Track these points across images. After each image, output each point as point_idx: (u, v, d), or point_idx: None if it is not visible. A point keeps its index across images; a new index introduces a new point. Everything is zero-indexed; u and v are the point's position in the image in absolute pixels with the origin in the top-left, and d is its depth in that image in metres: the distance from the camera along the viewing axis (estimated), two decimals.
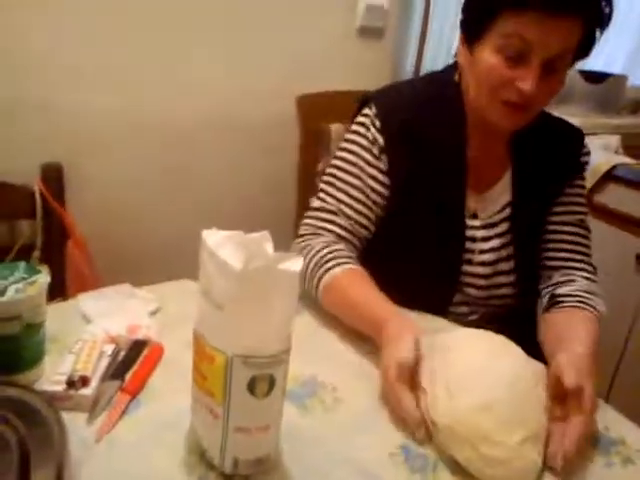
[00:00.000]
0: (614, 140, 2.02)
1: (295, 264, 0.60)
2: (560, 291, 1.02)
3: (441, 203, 1.02)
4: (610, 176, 1.88)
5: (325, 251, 0.96)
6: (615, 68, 2.21)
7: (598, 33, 0.93)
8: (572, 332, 0.90)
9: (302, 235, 1.02)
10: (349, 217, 1.01)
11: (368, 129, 1.02)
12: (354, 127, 1.04)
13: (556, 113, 2.10)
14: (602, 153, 1.93)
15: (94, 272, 1.32)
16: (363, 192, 1.01)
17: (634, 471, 0.74)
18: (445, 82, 1.04)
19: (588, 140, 1.97)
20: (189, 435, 0.69)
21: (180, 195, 1.58)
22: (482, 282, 1.07)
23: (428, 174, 1.01)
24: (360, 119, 1.04)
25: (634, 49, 2.35)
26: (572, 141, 1.10)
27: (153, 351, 0.82)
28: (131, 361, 0.79)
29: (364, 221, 1.02)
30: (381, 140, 1.00)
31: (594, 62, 2.25)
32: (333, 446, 0.71)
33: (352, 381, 0.83)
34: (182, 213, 1.53)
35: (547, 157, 1.05)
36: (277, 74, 1.61)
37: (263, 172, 1.69)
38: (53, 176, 1.33)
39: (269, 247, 0.62)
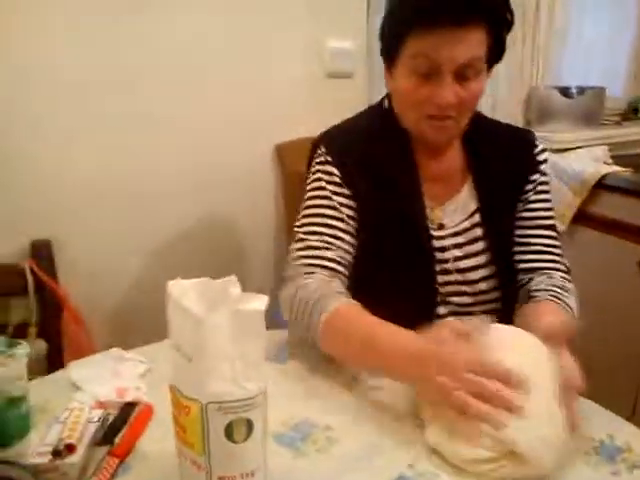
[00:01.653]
0: (601, 151, 2.02)
1: (260, 303, 0.60)
2: (535, 286, 1.03)
3: (403, 222, 1.04)
4: (601, 186, 1.88)
5: (319, 292, 0.94)
6: (589, 81, 2.23)
7: (505, 35, 0.99)
8: (543, 318, 0.92)
9: (292, 278, 1.00)
10: (337, 247, 1.02)
11: (324, 165, 1.06)
12: (312, 169, 1.09)
13: (537, 130, 2.13)
14: (591, 164, 1.93)
15: (91, 341, 1.33)
16: (341, 220, 1.03)
17: None
18: (382, 111, 1.09)
19: (576, 153, 2.01)
20: None
21: (168, 257, 1.59)
22: (465, 288, 1.07)
23: (386, 198, 1.04)
24: (315, 160, 1.09)
25: (609, 62, 2.39)
26: (524, 142, 1.13)
27: (142, 412, 0.81)
28: (120, 424, 0.79)
29: (350, 248, 1.04)
30: (337, 172, 1.05)
31: (571, 78, 2.28)
32: None
33: (345, 420, 0.81)
34: (170, 273, 1.54)
35: (504, 161, 1.08)
36: (252, 126, 1.64)
37: (248, 225, 1.71)
38: (43, 253, 1.36)
39: (235, 291, 0.62)
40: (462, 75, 0.95)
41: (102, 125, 1.48)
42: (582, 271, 1.93)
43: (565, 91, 2.12)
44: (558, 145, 2.04)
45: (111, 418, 0.80)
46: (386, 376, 0.87)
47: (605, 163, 1.96)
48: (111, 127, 1.49)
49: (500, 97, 2.14)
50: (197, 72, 1.57)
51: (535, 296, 1.02)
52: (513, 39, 2.09)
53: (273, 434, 0.78)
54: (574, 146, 2.05)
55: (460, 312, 1.09)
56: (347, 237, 1.03)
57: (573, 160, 1.97)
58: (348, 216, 1.04)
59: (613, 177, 1.87)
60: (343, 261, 1.02)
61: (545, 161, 1.12)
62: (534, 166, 1.11)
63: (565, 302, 0.99)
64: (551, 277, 1.06)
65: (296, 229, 1.06)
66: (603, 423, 0.81)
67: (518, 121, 2.17)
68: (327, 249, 1.01)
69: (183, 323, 0.60)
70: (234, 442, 0.60)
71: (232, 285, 0.63)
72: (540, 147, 1.13)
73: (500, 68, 2.11)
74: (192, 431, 0.61)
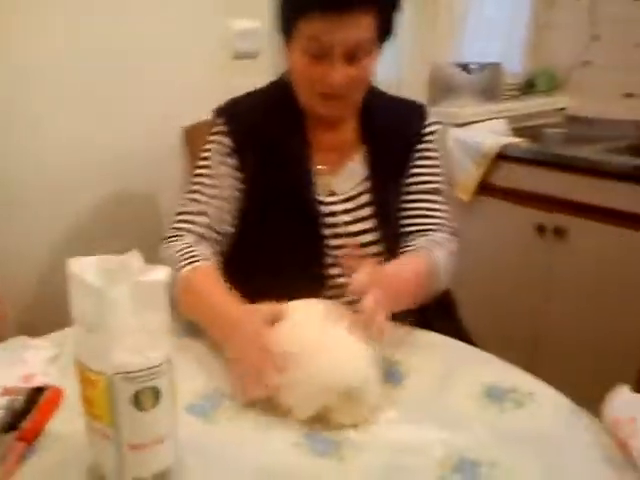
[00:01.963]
0: (501, 124, 2.14)
1: (160, 274, 0.62)
2: (410, 248, 1.10)
3: (291, 189, 1.10)
4: (501, 157, 1.99)
5: (182, 252, 1.02)
6: (489, 57, 2.34)
7: (395, 16, 1.03)
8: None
9: (166, 238, 1.08)
10: (208, 215, 1.09)
11: (218, 134, 1.12)
12: (209, 137, 1.14)
13: (440, 106, 2.22)
14: (491, 137, 2.04)
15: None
16: (220, 189, 1.10)
17: (525, 412, 0.79)
18: (282, 84, 1.14)
19: (477, 127, 2.11)
20: (89, 468, 0.69)
21: (76, 246, 1.56)
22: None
23: (274, 167, 1.10)
24: (212, 130, 1.14)
25: (507, 38, 2.50)
26: (415, 114, 1.19)
27: (51, 396, 0.81)
28: (27, 409, 0.78)
29: (225, 216, 1.10)
30: (231, 143, 1.10)
31: (470, 54, 2.38)
32: (239, 451, 0.73)
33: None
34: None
35: (395, 132, 1.14)
36: (159, 110, 1.63)
37: (158, 209, 1.70)
38: None
39: (136, 264, 0.64)
40: (352, 56, 0.99)
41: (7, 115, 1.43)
42: (487, 238, 2.07)
43: (465, 67, 2.22)
44: (461, 120, 2.14)
45: (18, 404, 0.79)
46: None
47: (504, 135, 2.08)
48: (18, 116, 1.44)
49: (405, 76, 2.21)
50: (102, 57, 1.54)
51: (402, 253, 1.09)
52: (416, 19, 2.16)
53: (185, 405, 0.80)
54: (475, 120, 2.15)
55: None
56: (225, 205, 1.10)
57: (474, 133, 2.08)
58: (229, 185, 1.10)
59: (512, 148, 1.98)
60: (217, 228, 1.09)
61: (434, 132, 1.18)
62: (422, 136, 1.17)
63: (426, 251, 1.06)
64: (428, 236, 1.13)
65: (182, 195, 1.12)
66: (492, 369, 0.89)
67: (423, 98, 2.25)
68: (201, 214, 1.08)
69: (84, 297, 0.61)
70: (142, 410, 0.62)
71: (134, 259, 0.65)
72: (430, 119, 1.19)
73: (404, 47, 2.19)
74: (100, 403, 0.62)
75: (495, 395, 0.83)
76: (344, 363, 0.80)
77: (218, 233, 1.10)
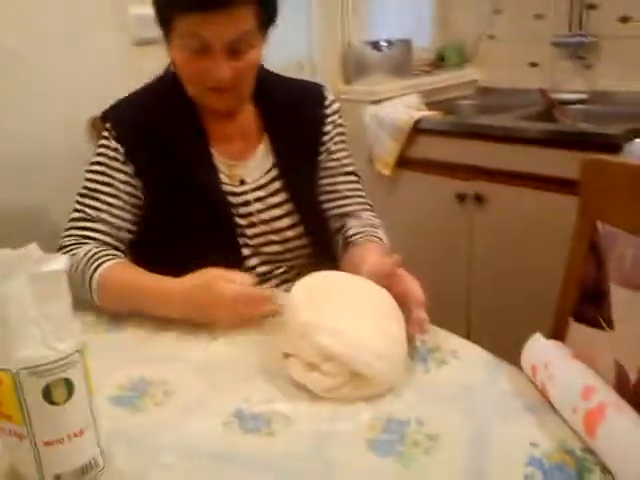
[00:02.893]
0: (414, 98, 2.17)
1: (59, 263, 0.60)
2: (350, 232, 1.12)
3: (194, 186, 1.07)
4: (417, 130, 2.03)
5: (90, 253, 0.99)
6: (400, 34, 2.37)
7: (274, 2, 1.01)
8: (367, 257, 1.00)
9: (65, 246, 1.03)
10: (108, 223, 1.05)
11: (109, 140, 1.07)
12: (99, 142, 1.10)
13: (355, 84, 2.24)
14: (405, 111, 2.07)
15: None
16: (117, 197, 1.06)
17: (448, 369, 0.81)
18: (168, 78, 1.10)
19: (391, 103, 2.15)
20: (7, 472, 0.66)
21: None
22: (273, 237, 1.13)
23: (173, 166, 1.07)
24: (102, 134, 1.09)
25: (414, 14, 2.55)
26: (314, 96, 1.18)
27: None
28: None
29: (124, 224, 1.07)
30: (121, 148, 1.06)
31: (379, 32, 2.40)
32: (166, 435, 0.71)
33: (181, 374, 0.83)
34: None
35: (294, 115, 1.13)
36: (64, 102, 1.57)
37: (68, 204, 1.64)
38: None
39: (34, 255, 0.61)
40: (234, 49, 0.96)
41: None
42: (409, 211, 2.11)
43: (375, 45, 2.24)
44: (375, 97, 2.17)
45: None
46: (168, 316, 0.93)
47: (419, 109, 2.12)
48: None
49: (317, 56, 2.21)
50: (8, 48, 1.47)
51: (352, 241, 1.10)
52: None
53: (109, 398, 0.78)
54: (390, 96, 2.18)
55: (273, 260, 1.15)
56: (122, 214, 1.06)
57: (390, 110, 2.11)
58: (126, 193, 1.06)
59: (426, 121, 2.03)
60: (116, 235, 1.06)
61: (337, 112, 1.18)
62: (325, 117, 1.16)
63: (378, 237, 1.10)
64: (360, 218, 1.15)
65: (77, 196, 1.08)
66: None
67: (337, 79, 2.27)
68: (100, 221, 1.05)
69: None
70: (55, 404, 0.59)
71: (32, 251, 0.62)
72: (330, 99, 1.18)
73: (314, 29, 2.19)
74: (8, 402, 0.59)
75: (419, 356, 0.85)
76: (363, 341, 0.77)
77: (119, 240, 1.06)
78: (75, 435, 0.61)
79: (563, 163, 1.66)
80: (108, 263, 0.98)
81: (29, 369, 0.58)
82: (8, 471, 0.65)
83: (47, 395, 0.59)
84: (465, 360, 0.84)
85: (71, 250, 1.02)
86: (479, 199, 1.92)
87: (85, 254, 0.99)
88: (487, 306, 1.99)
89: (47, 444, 0.60)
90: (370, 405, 0.74)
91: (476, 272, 2.00)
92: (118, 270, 0.98)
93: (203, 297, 0.89)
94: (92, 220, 1.05)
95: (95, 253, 0.99)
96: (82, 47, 1.60)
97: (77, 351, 0.61)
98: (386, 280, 0.88)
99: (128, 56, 1.67)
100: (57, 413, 0.60)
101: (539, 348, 0.78)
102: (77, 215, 1.06)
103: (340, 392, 0.75)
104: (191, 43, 0.96)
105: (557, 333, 0.90)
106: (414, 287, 0.87)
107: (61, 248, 1.03)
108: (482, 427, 0.70)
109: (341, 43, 2.29)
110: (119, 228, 1.06)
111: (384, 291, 0.87)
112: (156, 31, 1.65)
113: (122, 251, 1.07)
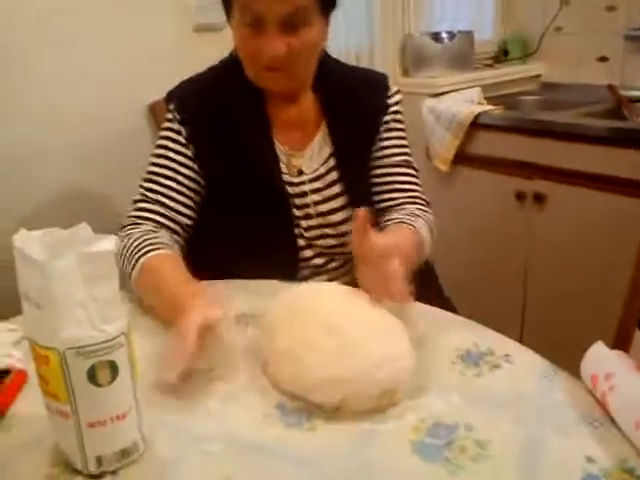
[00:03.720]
0: (475, 92, 2.11)
1: (107, 244, 0.59)
2: (386, 223, 1.07)
3: (255, 173, 1.06)
4: (477, 125, 1.97)
5: (141, 239, 0.98)
6: (462, 26, 2.31)
7: None
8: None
9: (124, 226, 1.04)
10: (166, 205, 1.05)
11: (172, 122, 1.07)
12: (162, 125, 1.10)
13: (414, 76, 2.19)
14: (465, 105, 2.01)
15: None
16: (175, 180, 1.05)
17: (501, 374, 0.78)
18: (232, 62, 1.08)
19: (451, 96, 2.09)
20: (53, 448, 0.67)
21: (36, 225, 1.53)
22: (328, 231, 1.11)
23: (235, 151, 1.06)
24: (166, 116, 1.09)
25: (476, 6, 2.47)
26: (377, 85, 1.15)
27: (15, 378, 0.79)
28: None
29: (181, 208, 1.06)
30: (184, 131, 1.05)
31: (440, 24, 2.35)
32: (207, 423, 0.71)
33: (225, 361, 0.81)
34: None
35: (356, 104, 1.10)
36: (124, 86, 1.59)
37: (123, 186, 1.66)
38: None
39: (83, 235, 0.61)
40: (290, 25, 0.94)
41: None
42: (467, 207, 2.05)
43: (436, 37, 2.18)
44: (434, 90, 2.12)
45: None
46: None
47: (479, 104, 2.06)
48: None
49: (377, 47, 2.17)
50: (66, 33, 1.50)
51: (384, 227, 1.06)
52: None
53: (152, 382, 0.77)
54: (449, 90, 2.13)
55: (327, 253, 1.13)
56: (180, 197, 1.05)
57: (449, 103, 2.05)
58: (185, 176, 1.05)
59: (486, 116, 1.96)
60: (173, 217, 1.05)
61: (399, 102, 1.15)
62: (386, 108, 1.13)
63: (411, 224, 1.03)
64: (404, 209, 1.10)
65: (140, 181, 1.08)
66: (468, 334, 0.87)
67: (395, 69, 2.23)
68: (157, 203, 1.04)
69: (29, 272, 0.58)
70: (99, 386, 0.59)
71: (82, 231, 0.62)
72: (393, 89, 1.15)
73: (375, 18, 2.15)
74: (54, 381, 0.59)
75: (471, 359, 0.81)
76: (381, 361, 0.72)
77: (176, 223, 1.06)
78: (118, 418, 0.61)
79: (632, 164, 1.58)
80: (148, 255, 0.95)
81: (75, 349, 0.58)
82: (54, 448, 0.66)
83: (92, 376, 0.59)
84: (519, 365, 0.80)
85: (128, 231, 1.02)
86: (539, 199, 1.85)
87: (135, 240, 0.98)
88: (543, 311, 1.92)
89: (90, 425, 0.60)
90: (416, 406, 0.72)
91: (533, 274, 1.93)
92: (154, 263, 0.94)
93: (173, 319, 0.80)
94: (150, 202, 1.05)
95: (143, 240, 0.97)
96: (143, 32, 1.62)
97: (123, 333, 0.60)
98: (369, 259, 0.80)
99: (188, 42, 1.68)
100: (101, 395, 0.60)
101: (601, 357, 0.74)
102: (138, 197, 1.07)
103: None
104: (246, 17, 0.95)
105: (620, 343, 0.86)
106: (392, 265, 0.78)
107: (121, 229, 1.04)
108: (535, 437, 0.66)
109: (401, 34, 2.24)
110: (176, 211, 1.05)
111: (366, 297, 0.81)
112: (215, 17, 1.66)
113: (179, 234, 1.06)
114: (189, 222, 1.08)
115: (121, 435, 0.62)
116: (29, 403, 0.75)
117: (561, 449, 0.64)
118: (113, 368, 0.60)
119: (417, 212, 1.09)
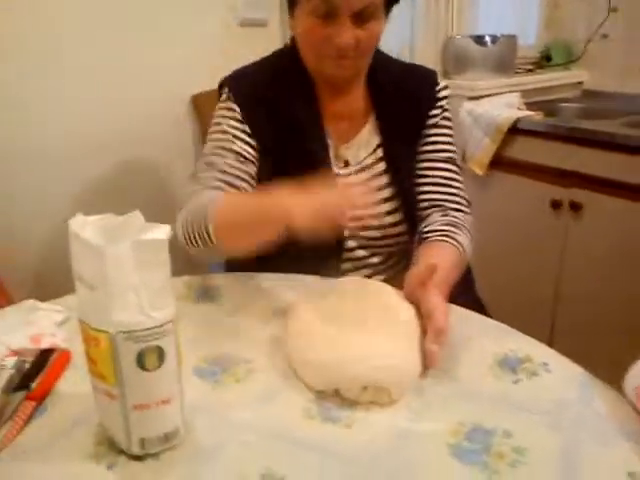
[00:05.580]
0: (515, 97, 2.09)
1: (161, 232, 0.61)
2: (427, 228, 1.07)
3: (305, 161, 1.06)
4: (515, 131, 1.95)
5: (211, 194, 0.99)
6: (505, 30, 2.28)
7: None
8: (420, 260, 0.96)
9: (188, 198, 1.02)
10: (230, 174, 1.04)
11: (226, 102, 1.09)
12: (217, 106, 1.11)
13: (454, 79, 2.17)
14: (505, 110, 1.99)
15: (6, 297, 1.29)
16: (234, 152, 1.05)
17: (539, 381, 0.77)
18: (288, 52, 1.11)
19: (490, 100, 2.07)
20: (97, 428, 0.68)
21: (81, 208, 1.55)
22: (372, 222, 1.10)
23: (287, 137, 1.07)
24: (221, 99, 1.11)
25: (520, 10, 2.45)
26: (426, 79, 1.16)
27: (59, 358, 0.81)
28: (37, 370, 0.78)
29: (244, 184, 1.06)
30: (238, 109, 1.07)
31: (485, 26, 2.33)
32: (246, 414, 0.71)
33: (265, 353, 0.83)
34: None
35: (405, 97, 1.11)
36: (168, 78, 1.62)
37: (167, 177, 1.69)
38: None
39: (137, 222, 0.62)
40: (360, 17, 0.97)
41: (19, 81, 1.42)
42: (502, 212, 2.03)
43: (479, 40, 2.17)
44: (474, 92, 2.10)
45: (27, 365, 0.79)
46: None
47: (518, 109, 2.03)
48: (27, 82, 1.43)
49: (418, 48, 2.17)
50: (112, 25, 1.53)
51: (427, 237, 1.05)
52: None
53: (193, 368, 0.79)
54: (489, 93, 2.11)
55: (369, 245, 1.13)
56: (242, 166, 1.05)
57: (489, 107, 2.04)
58: (245, 151, 1.06)
59: (525, 121, 1.94)
60: (238, 186, 1.05)
61: (446, 97, 1.15)
62: (434, 101, 1.13)
63: (454, 239, 1.03)
64: (445, 214, 1.09)
65: (198, 165, 1.08)
66: (506, 340, 0.86)
67: (436, 71, 2.21)
68: (221, 172, 1.04)
69: (84, 255, 0.59)
70: (146, 370, 0.61)
71: (135, 218, 0.63)
72: (442, 84, 1.16)
73: (417, 19, 2.14)
74: (103, 362, 0.61)
75: (509, 365, 0.81)
76: (377, 355, 0.75)
77: (237, 188, 1.05)
78: (163, 402, 0.62)
79: None
80: (221, 195, 0.98)
81: (125, 333, 0.59)
82: (98, 429, 0.68)
83: (140, 360, 0.60)
84: (557, 374, 0.79)
85: (194, 195, 1.01)
86: (575, 207, 1.82)
87: (205, 196, 0.98)
88: (574, 321, 1.89)
89: (136, 408, 0.62)
90: (455, 409, 0.72)
91: (566, 284, 1.91)
92: (234, 195, 0.99)
93: (290, 194, 0.84)
94: (216, 171, 1.04)
95: (214, 194, 0.99)
96: (188, 25, 1.64)
97: (170, 321, 0.61)
98: (418, 292, 0.84)
99: (234, 36, 1.70)
100: (148, 379, 0.61)
101: None
102: (198, 173, 1.06)
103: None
104: (320, 8, 0.96)
105: None
106: (438, 312, 0.80)
107: (183, 203, 1.02)
108: (574, 447, 0.66)
109: (443, 35, 2.23)
110: (240, 178, 1.05)
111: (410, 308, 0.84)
112: (261, 12, 1.68)
113: None
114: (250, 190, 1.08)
115: (164, 420, 0.64)
116: (73, 382, 0.77)
117: (601, 461, 0.64)
118: (161, 354, 0.61)
119: (459, 218, 1.08)
